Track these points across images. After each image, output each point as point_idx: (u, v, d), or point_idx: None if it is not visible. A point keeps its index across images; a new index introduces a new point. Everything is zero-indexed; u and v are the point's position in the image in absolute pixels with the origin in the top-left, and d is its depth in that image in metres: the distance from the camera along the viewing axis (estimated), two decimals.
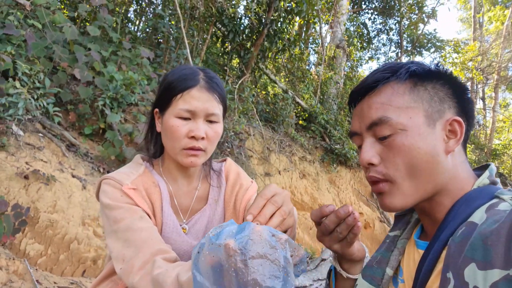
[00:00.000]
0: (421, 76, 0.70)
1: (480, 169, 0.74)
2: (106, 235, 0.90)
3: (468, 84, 18.38)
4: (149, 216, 0.92)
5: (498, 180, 0.70)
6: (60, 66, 3.63)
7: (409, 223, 0.83)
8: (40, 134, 3.00)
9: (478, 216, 0.60)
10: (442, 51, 14.60)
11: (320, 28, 9.72)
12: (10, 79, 2.92)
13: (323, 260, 2.96)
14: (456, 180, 0.68)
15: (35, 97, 2.98)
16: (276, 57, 7.75)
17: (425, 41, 13.73)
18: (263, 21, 6.15)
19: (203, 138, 0.93)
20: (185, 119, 0.93)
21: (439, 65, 0.71)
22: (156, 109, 1.00)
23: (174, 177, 1.04)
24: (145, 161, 1.05)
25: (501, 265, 0.48)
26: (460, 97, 0.71)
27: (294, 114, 7.35)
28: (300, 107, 7.92)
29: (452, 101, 0.70)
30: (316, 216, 0.76)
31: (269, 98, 7.74)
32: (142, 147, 1.10)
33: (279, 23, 6.40)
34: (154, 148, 1.07)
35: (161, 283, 0.73)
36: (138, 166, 1.01)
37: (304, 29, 10.39)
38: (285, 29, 6.66)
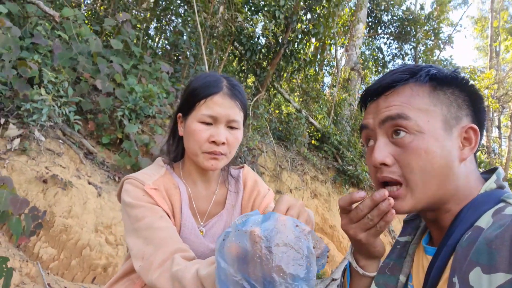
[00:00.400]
0: (441, 81, 0.69)
1: (487, 173, 0.73)
2: (126, 233, 0.91)
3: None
4: (169, 216, 0.94)
5: (505, 184, 0.69)
6: (83, 76, 3.75)
7: (418, 227, 0.82)
8: (60, 141, 3.08)
9: (485, 220, 0.60)
10: None
11: (336, 50, 9.85)
12: (35, 86, 3.03)
13: (333, 280, 2.90)
14: (466, 188, 0.68)
15: (58, 104, 3.08)
16: (291, 77, 7.84)
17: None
18: (280, 41, 6.27)
19: (223, 143, 0.96)
20: (207, 124, 0.95)
21: (457, 71, 0.71)
22: (180, 114, 1.04)
23: (193, 180, 1.06)
24: (166, 163, 1.07)
25: (506, 268, 0.48)
26: (476, 105, 0.71)
27: (307, 133, 7.37)
28: (313, 127, 7.94)
29: (469, 109, 0.70)
30: (345, 201, 0.72)
31: (283, 117, 7.80)
32: (163, 150, 1.13)
33: (296, 43, 6.52)
34: (175, 151, 1.09)
35: (180, 279, 0.74)
36: (159, 168, 1.04)
37: (320, 51, 10.55)
38: (301, 50, 6.77)
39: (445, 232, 0.68)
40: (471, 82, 0.71)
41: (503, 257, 0.49)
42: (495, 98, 16.20)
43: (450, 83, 0.70)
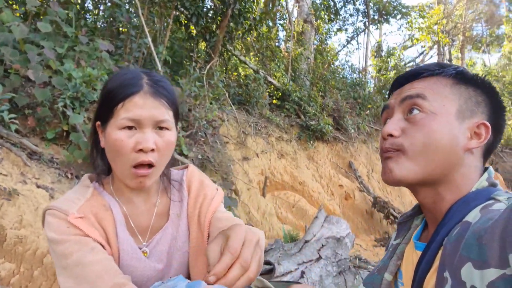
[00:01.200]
0: (467, 78, 0.73)
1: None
2: (56, 272, 0.81)
3: (435, 47, 18.74)
4: (103, 245, 0.83)
5: (497, 182, 0.71)
6: (12, 68, 3.38)
7: (409, 229, 0.84)
8: None
9: (472, 215, 0.62)
10: (408, 17, 14.71)
11: (286, 3, 9.53)
12: None
13: (306, 242, 2.97)
14: (464, 179, 0.70)
15: None
16: (243, 37, 7.56)
17: (391, 8, 13.75)
18: (226, 1, 5.93)
19: (153, 150, 0.83)
20: (130, 129, 0.83)
21: (485, 76, 0.75)
22: (98, 122, 0.90)
23: (127, 196, 0.94)
24: (94, 181, 0.95)
25: (497, 264, 0.48)
26: (495, 109, 0.74)
27: (267, 94, 7.27)
28: (272, 86, 7.84)
29: (487, 108, 0.73)
30: None
31: (241, 80, 7.60)
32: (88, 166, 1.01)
33: (243, 2, 6.20)
34: (102, 165, 0.96)
35: None
36: (85, 190, 0.91)
37: (270, 5, 10.17)
38: (250, 8, 6.47)
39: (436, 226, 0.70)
40: (494, 87, 0.74)
41: (494, 253, 0.49)
42: (444, 32, 16.64)
43: (476, 83, 0.73)
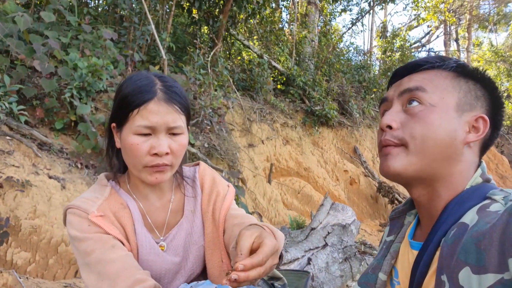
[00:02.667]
0: (467, 72, 0.73)
1: None
2: (79, 268, 0.86)
3: (441, 26, 18.38)
4: (122, 242, 0.88)
5: (490, 177, 0.71)
6: (18, 60, 3.40)
7: (402, 226, 0.84)
8: (8, 137, 2.86)
9: (469, 217, 0.61)
10: None
11: None
12: None
13: (312, 229, 3.03)
14: (461, 175, 0.69)
15: None
16: (247, 22, 7.46)
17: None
18: None
19: (167, 153, 0.87)
20: (145, 135, 0.86)
21: (485, 71, 0.74)
22: (113, 124, 0.93)
23: (143, 193, 0.98)
24: (110, 179, 0.99)
25: (495, 269, 0.48)
26: (495, 108, 0.73)
27: (271, 79, 7.23)
28: (277, 71, 7.78)
29: (486, 102, 0.72)
30: None
31: (245, 65, 7.56)
32: (104, 165, 1.04)
33: None
34: (118, 163, 1.00)
35: None
36: (103, 189, 0.95)
37: None
38: None
39: (432, 224, 0.70)
40: (495, 82, 0.74)
41: (493, 258, 0.49)
42: (451, 11, 16.29)
43: (476, 77, 0.73)
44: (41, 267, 2.39)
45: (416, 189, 0.73)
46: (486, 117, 0.69)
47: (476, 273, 0.51)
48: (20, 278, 2.20)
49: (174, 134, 0.89)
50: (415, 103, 0.70)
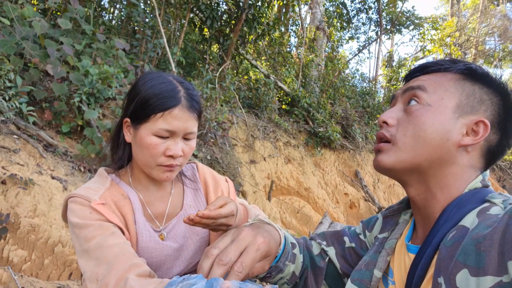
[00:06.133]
0: (476, 75, 0.71)
1: None
2: (77, 256, 0.87)
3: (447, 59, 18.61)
4: (122, 230, 0.90)
5: (489, 183, 0.70)
6: (31, 63, 3.49)
7: (397, 224, 0.83)
8: (15, 136, 2.90)
9: (469, 220, 0.60)
10: (420, 28, 14.70)
11: (300, 9, 9.61)
12: None
13: None
14: (457, 179, 0.68)
15: (7, 98, 2.87)
16: (256, 42, 7.64)
17: (404, 19, 13.78)
18: (241, 5, 6.02)
19: (180, 155, 0.94)
20: (164, 137, 0.91)
21: (501, 76, 0.72)
22: (127, 119, 0.97)
23: (144, 185, 1.02)
24: (110, 173, 1.02)
25: (494, 271, 0.48)
26: (506, 114, 0.70)
27: (277, 99, 7.33)
28: (282, 91, 7.89)
29: (492, 107, 0.70)
30: None
31: (251, 84, 7.69)
32: (108, 158, 1.07)
33: (258, 7, 6.29)
34: (122, 158, 1.03)
35: None
36: (104, 180, 0.98)
37: (284, 10, 10.26)
38: (264, 13, 6.55)
39: (429, 228, 0.69)
40: (507, 87, 0.70)
41: (492, 260, 0.49)
42: (457, 45, 16.58)
43: (485, 81, 0.71)
44: (36, 266, 2.38)
45: (411, 188, 0.73)
46: (487, 122, 0.67)
47: (474, 275, 0.50)
48: (15, 275, 2.19)
49: (187, 139, 0.95)
50: (413, 102, 0.72)
